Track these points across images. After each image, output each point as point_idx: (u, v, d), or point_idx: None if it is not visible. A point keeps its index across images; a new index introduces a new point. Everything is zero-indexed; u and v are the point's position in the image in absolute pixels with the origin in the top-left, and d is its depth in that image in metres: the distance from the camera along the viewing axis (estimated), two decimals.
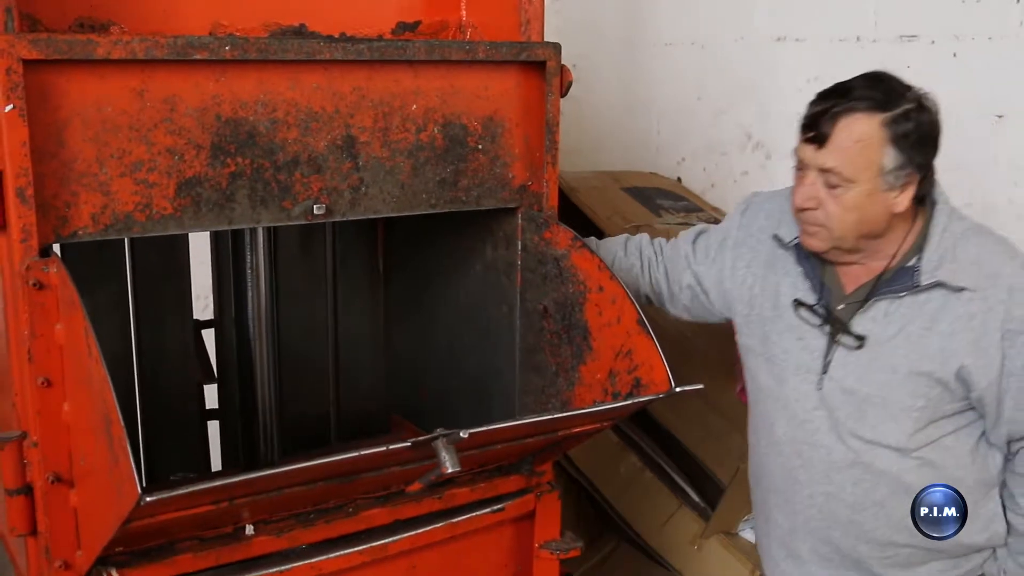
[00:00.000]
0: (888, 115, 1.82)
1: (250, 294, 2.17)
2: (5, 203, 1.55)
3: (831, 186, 1.87)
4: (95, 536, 1.59)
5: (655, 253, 2.30)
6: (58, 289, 1.57)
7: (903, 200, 1.87)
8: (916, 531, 1.94)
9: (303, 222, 1.84)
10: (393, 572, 2.00)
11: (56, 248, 1.65)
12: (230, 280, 2.22)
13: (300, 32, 1.94)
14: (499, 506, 2.11)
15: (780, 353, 2.04)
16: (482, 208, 2.03)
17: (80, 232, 1.63)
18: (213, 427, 2.43)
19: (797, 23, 3.48)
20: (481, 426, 1.63)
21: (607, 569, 3.20)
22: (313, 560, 1.86)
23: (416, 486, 1.69)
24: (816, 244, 1.96)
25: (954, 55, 3.07)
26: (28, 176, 1.54)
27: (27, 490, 1.66)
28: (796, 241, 2.04)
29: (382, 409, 2.52)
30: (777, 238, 2.09)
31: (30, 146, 1.53)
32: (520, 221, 2.08)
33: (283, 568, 1.83)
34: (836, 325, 1.97)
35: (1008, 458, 1.98)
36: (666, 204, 3.52)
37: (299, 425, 2.38)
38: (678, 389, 1.80)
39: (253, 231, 2.10)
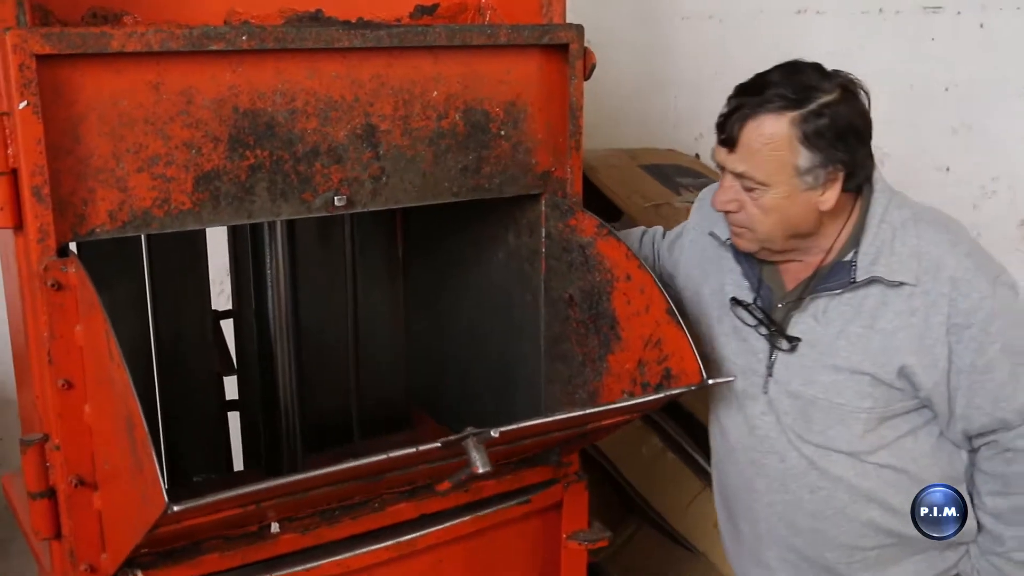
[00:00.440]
0: (798, 113, 1.70)
1: (269, 284, 2.13)
2: (21, 202, 1.51)
3: (748, 189, 1.78)
4: (121, 540, 1.57)
5: (658, 248, 2.23)
6: (77, 289, 1.54)
7: (829, 197, 1.76)
8: (882, 531, 1.86)
9: (324, 214, 1.79)
10: (419, 567, 1.98)
11: (72, 245, 1.61)
12: (248, 270, 2.19)
13: (316, 18, 1.88)
14: (525, 498, 2.08)
15: (729, 355, 1.95)
16: (505, 196, 1.99)
17: (98, 230, 1.59)
18: (233, 418, 2.40)
19: None
20: (508, 422, 1.60)
21: (630, 551, 3.18)
22: (339, 557, 1.84)
23: (445, 485, 1.66)
24: (744, 245, 1.88)
25: (981, 26, 3.00)
26: (44, 174, 1.50)
27: (50, 493, 1.63)
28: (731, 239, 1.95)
29: (403, 399, 2.48)
30: (714, 235, 2.01)
31: (45, 143, 1.49)
32: (544, 208, 2.04)
33: (309, 566, 1.81)
34: (772, 326, 1.89)
35: (971, 455, 1.87)
36: (685, 181, 3.46)
37: (320, 415, 2.35)
38: (710, 381, 1.76)
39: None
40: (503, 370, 2.22)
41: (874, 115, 3.24)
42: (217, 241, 2.27)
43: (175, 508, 1.28)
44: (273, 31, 1.65)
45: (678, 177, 3.49)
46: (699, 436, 2.93)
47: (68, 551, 1.64)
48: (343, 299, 2.36)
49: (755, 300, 1.91)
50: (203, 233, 2.21)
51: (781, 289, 1.91)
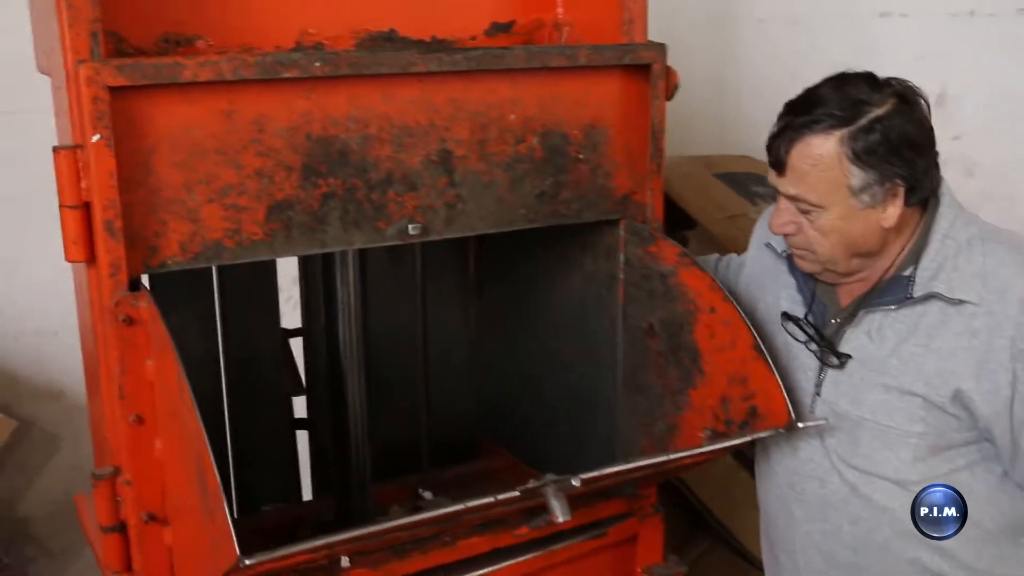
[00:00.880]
0: (847, 130, 1.62)
1: (339, 302, 2.09)
2: (93, 236, 1.49)
3: (803, 211, 1.70)
4: None
5: (727, 275, 2.13)
6: (148, 324, 1.50)
7: (892, 214, 1.67)
8: (928, 574, 1.74)
9: (397, 243, 1.74)
10: None
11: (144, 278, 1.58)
12: (319, 288, 2.15)
13: (390, 38, 1.83)
14: (601, 531, 2.02)
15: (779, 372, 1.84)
16: (583, 221, 1.92)
17: (169, 262, 1.56)
18: (302, 436, 2.37)
19: None
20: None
21: (701, 570, 3.10)
22: None
23: (523, 530, 1.60)
24: (807, 267, 1.79)
25: None
26: (116, 207, 1.47)
27: (121, 528, 1.61)
28: (788, 252, 1.86)
29: (473, 423, 2.43)
30: (770, 247, 1.93)
31: (118, 176, 1.46)
32: (623, 233, 1.96)
33: None
34: (823, 342, 1.79)
35: None
36: (761, 191, 3.35)
37: (389, 437, 2.31)
38: (800, 425, 1.67)
39: None
40: (578, 398, 2.15)
41: (964, 125, 3.14)
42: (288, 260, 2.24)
43: (247, 562, 1.24)
44: (347, 56, 1.60)
45: (753, 186, 3.38)
46: None
47: None
48: (414, 319, 2.31)
49: (806, 315, 1.83)
50: None
51: (835, 304, 1.82)
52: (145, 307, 1.49)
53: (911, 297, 1.69)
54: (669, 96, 1.93)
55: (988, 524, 1.73)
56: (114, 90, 1.43)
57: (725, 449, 1.75)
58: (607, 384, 2.07)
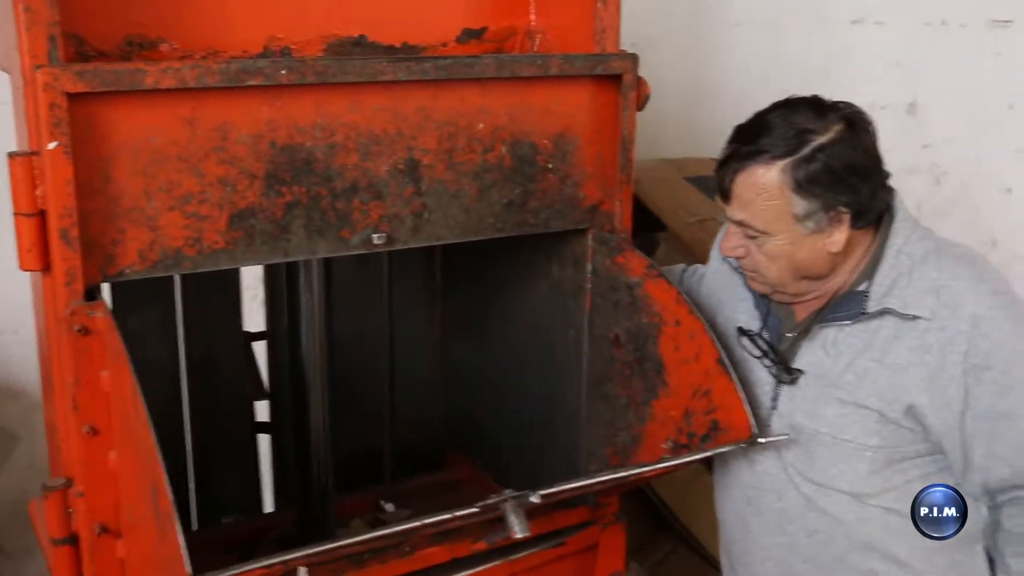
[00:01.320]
0: (790, 161, 1.63)
1: (303, 307, 2.07)
2: (48, 244, 1.45)
3: (751, 237, 1.72)
4: None
5: (690, 286, 2.13)
6: (104, 334, 1.47)
7: (837, 240, 1.68)
8: None
9: (362, 252, 1.72)
10: None
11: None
12: (282, 290, 2.13)
13: (360, 43, 1.81)
14: (560, 540, 2.01)
15: None
16: (551, 231, 1.90)
17: (127, 270, 1.53)
18: (264, 444, 2.35)
19: (877, 4, 3.28)
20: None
21: (664, 573, 3.11)
22: None
23: (481, 545, 1.59)
24: (759, 288, 1.81)
25: None
26: (73, 216, 1.44)
27: (72, 540, 1.58)
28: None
29: (439, 428, 2.42)
30: (728, 261, 1.93)
31: (75, 183, 1.43)
32: (591, 243, 1.95)
33: None
34: (776, 357, 1.80)
35: (992, 511, 1.74)
36: None
37: (353, 446, 2.29)
38: (761, 440, 1.67)
39: None
40: (542, 406, 2.15)
41: (934, 133, 3.15)
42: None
43: None
44: (313, 64, 1.58)
45: None
46: None
47: None
48: (380, 324, 2.29)
49: (761, 330, 1.84)
50: None
51: (791, 319, 1.83)
52: (101, 317, 1.46)
53: (866, 312, 1.70)
54: (640, 107, 1.92)
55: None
56: (73, 96, 1.40)
57: (687, 463, 1.75)
58: (572, 393, 2.06)
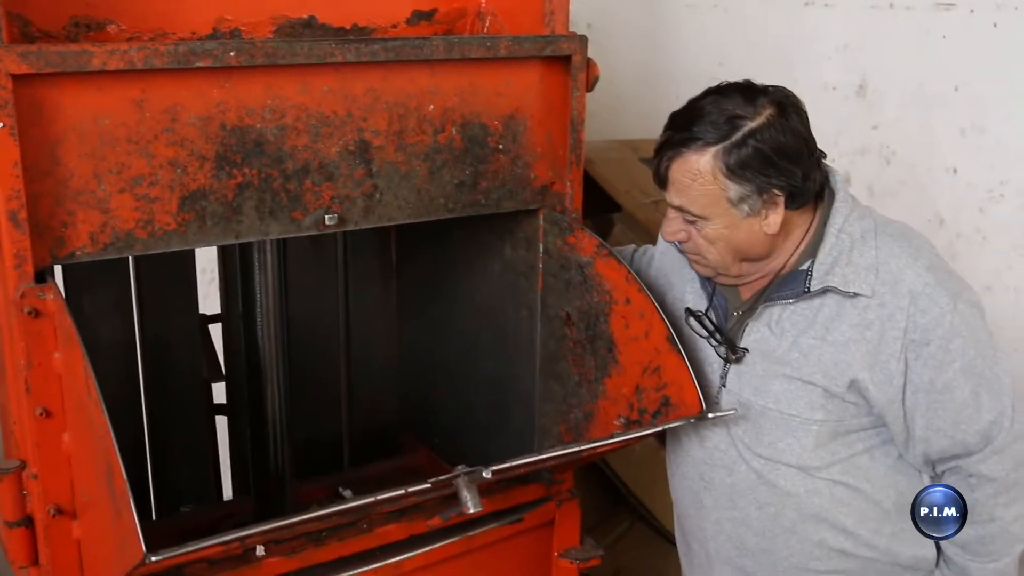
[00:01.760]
0: (721, 147, 1.67)
1: (258, 289, 2.07)
2: None
3: (689, 221, 1.76)
4: (99, 573, 1.53)
5: (640, 266, 2.16)
6: (55, 316, 1.48)
7: (773, 222, 1.72)
8: (834, 554, 1.81)
9: (315, 233, 1.73)
10: None
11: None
12: (237, 274, 2.13)
13: (309, 25, 1.81)
14: (517, 516, 2.05)
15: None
16: (502, 211, 1.93)
17: (78, 253, 1.53)
18: (222, 431, 2.35)
19: None
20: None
21: (622, 549, 3.15)
22: None
23: (435, 521, 1.62)
24: (702, 271, 1.86)
25: (994, 25, 2.92)
26: (21, 198, 1.44)
27: (27, 522, 1.59)
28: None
29: (394, 410, 2.44)
30: (675, 243, 1.96)
31: (22, 165, 1.43)
32: (542, 223, 1.98)
33: None
34: (722, 337, 1.85)
35: (934, 480, 1.80)
36: None
37: (309, 423, 2.30)
38: (711, 415, 1.71)
39: None
40: (496, 385, 2.17)
41: (883, 115, 3.20)
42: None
43: (153, 559, 1.24)
44: (263, 46, 1.58)
45: None
46: None
47: None
48: (334, 302, 2.31)
49: (707, 310, 1.88)
50: None
51: (737, 298, 1.87)
52: (52, 299, 1.47)
53: (808, 291, 1.75)
54: (589, 88, 1.94)
55: (886, 504, 1.80)
56: (17, 78, 1.39)
57: (638, 439, 1.79)
58: (525, 373, 2.09)
